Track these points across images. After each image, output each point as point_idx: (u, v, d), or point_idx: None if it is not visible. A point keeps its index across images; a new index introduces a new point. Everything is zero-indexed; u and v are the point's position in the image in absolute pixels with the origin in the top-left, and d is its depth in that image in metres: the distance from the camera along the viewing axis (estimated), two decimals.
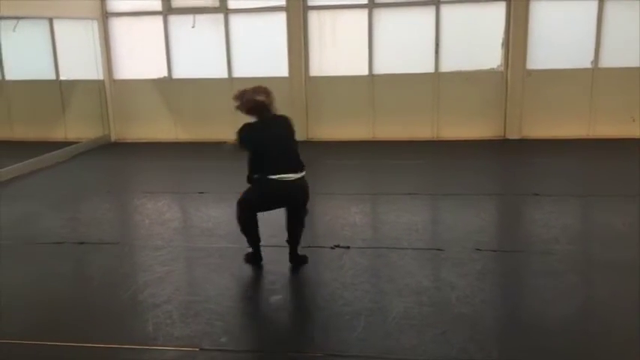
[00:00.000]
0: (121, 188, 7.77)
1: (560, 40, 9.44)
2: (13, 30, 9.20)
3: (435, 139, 9.89)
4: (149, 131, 10.53)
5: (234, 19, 9.99)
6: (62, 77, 9.95)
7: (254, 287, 4.51)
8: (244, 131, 4.59)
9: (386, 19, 9.68)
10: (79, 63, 10.18)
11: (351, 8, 9.73)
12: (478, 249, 5.07)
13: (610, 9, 9.19)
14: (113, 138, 10.63)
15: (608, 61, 9.33)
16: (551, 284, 4.41)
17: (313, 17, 9.85)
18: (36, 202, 7.06)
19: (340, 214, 6.19)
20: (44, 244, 5.59)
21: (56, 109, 9.99)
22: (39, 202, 7.00)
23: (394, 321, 3.89)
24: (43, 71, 9.85)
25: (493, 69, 9.69)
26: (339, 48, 9.91)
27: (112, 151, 10.07)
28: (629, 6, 9.14)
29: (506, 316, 4.07)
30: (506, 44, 9.49)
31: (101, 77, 10.31)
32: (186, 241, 5.60)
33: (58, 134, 9.94)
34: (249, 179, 4.64)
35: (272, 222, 5.94)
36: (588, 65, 9.41)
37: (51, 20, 9.44)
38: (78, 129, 10.23)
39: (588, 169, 7.96)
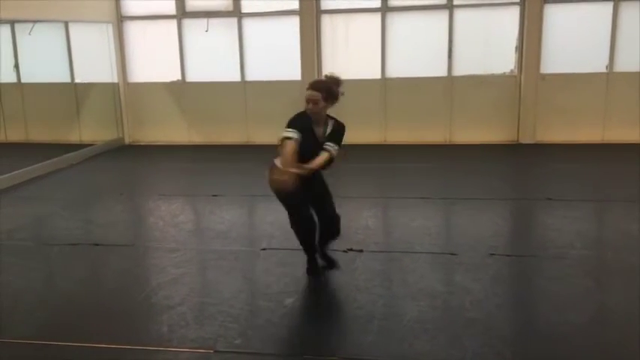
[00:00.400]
0: (135, 190, 7.83)
1: (574, 44, 9.40)
2: (29, 33, 9.30)
3: (447, 143, 9.87)
4: (163, 134, 10.61)
5: (247, 23, 10.04)
6: (77, 80, 10.04)
7: (268, 290, 4.51)
8: None
9: (399, 22, 9.69)
10: (94, 66, 10.26)
11: (364, 12, 9.75)
12: (492, 253, 5.05)
13: (625, 12, 9.14)
14: (127, 140, 10.71)
15: (623, 65, 9.28)
16: (566, 289, 4.39)
17: (326, 21, 9.87)
18: (51, 203, 7.13)
19: (353, 218, 6.19)
20: (59, 245, 5.64)
21: (71, 112, 10.07)
22: (54, 204, 7.07)
23: (408, 325, 3.89)
24: (59, 74, 9.94)
25: (506, 73, 9.66)
26: (352, 51, 9.93)
27: (125, 153, 10.14)
28: None
29: (521, 322, 4.05)
30: (520, 48, 9.46)
31: (115, 80, 10.40)
32: (201, 243, 5.63)
33: (72, 136, 10.01)
34: None
35: (285, 225, 5.97)
36: (603, 69, 9.36)
37: (66, 24, 9.53)
38: (92, 131, 10.31)
39: (602, 173, 7.91)
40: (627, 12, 9.13)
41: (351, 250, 5.15)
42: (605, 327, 3.92)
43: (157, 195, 7.34)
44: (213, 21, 10.12)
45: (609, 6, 9.13)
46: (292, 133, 4.21)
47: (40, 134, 9.97)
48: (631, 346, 3.65)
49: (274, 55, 10.07)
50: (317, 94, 4.32)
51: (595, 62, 9.38)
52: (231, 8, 10.02)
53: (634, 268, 4.71)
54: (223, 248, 5.40)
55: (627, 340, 3.72)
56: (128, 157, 9.89)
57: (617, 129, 9.43)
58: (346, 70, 9.86)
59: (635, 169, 7.87)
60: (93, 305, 4.42)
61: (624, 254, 5.01)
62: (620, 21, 9.15)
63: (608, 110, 9.44)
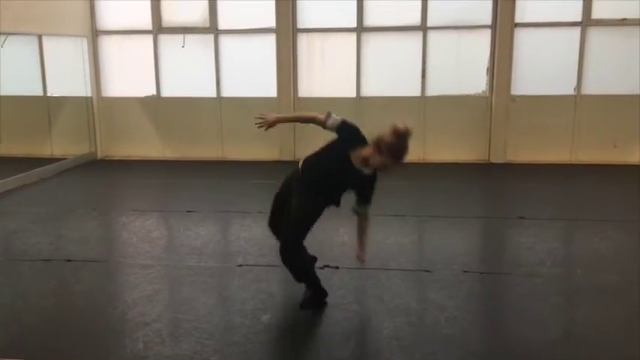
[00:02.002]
0: (108, 205, 7.73)
1: (543, 67, 9.66)
2: (1, 46, 9.18)
3: (421, 161, 10.00)
4: (136, 149, 10.53)
5: (224, 40, 10.09)
6: (50, 93, 9.93)
7: (244, 306, 4.50)
8: None
9: (374, 42, 9.84)
10: (68, 80, 10.17)
11: (339, 32, 9.88)
12: (465, 271, 5.14)
13: (592, 37, 9.44)
14: (100, 155, 10.60)
15: (590, 88, 9.56)
16: (538, 306, 4.48)
17: (302, 39, 9.97)
18: (22, 218, 7.00)
19: (329, 235, 6.22)
20: (31, 260, 5.55)
21: (43, 125, 9.95)
22: (25, 219, 6.94)
23: (384, 341, 3.92)
24: (31, 87, 9.82)
25: (478, 94, 9.86)
26: (328, 70, 10.04)
27: (98, 168, 10.03)
28: (610, 34, 9.41)
29: (495, 338, 4.12)
30: (491, 70, 9.68)
31: (89, 94, 10.31)
32: (175, 259, 5.58)
33: (44, 150, 9.88)
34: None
35: (260, 241, 5.98)
36: (571, 92, 9.62)
37: (40, 37, 9.45)
38: (64, 145, 10.17)
39: (572, 193, 8.10)
40: (594, 37, 9.44)
41: (327, 266, 5.18)
42: (576, 343, 4.00)
43: (130, 210, 7.27)
44: (190, 37, 10.14)
45: (577, 31, 9.43)
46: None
47: (10, 148, 9.79)
48: None
49: (250, 72, 10.12)
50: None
51: (563, 85, 9.64)
52: (207, 24, 10.06)
53: (603, 286, 4.83)
54: (198, 264, 5.38)
55: (597, 356, 3.81)
56: (101, 172, 9.78)
57: (585, 150, 9.69)
58: (322, 88, 10.07)
59: (603, 188, 8.09)
60: (66, 322, 4.35)
61: (594, 272, 5.14)
62: (587, 45, 9.45)
63: (576, 132, 9.69)
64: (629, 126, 9.55)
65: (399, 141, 3.94)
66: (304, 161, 4.35)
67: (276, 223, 4.53)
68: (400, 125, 3.97)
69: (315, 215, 4.23)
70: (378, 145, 3.97)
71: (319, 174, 4.22)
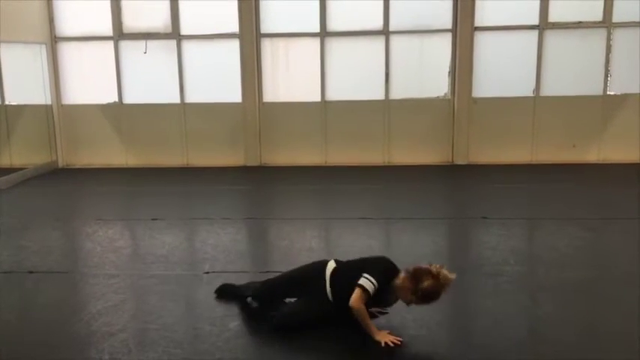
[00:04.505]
0: (70, 215, 7.59)
1: (503, 69, 9.87)
2: None
3: (386, 164, 10.10)
4: (99, 157, 10.37)
5: (187, 45, 10.01)
6: (8, 102, 9.70)
7: (212, 314, 4.47)
8: None
9: (338, 47, 9.90)
10: (27, 87, 9.96)
11: (303, 36, 9.91)
12: None
13: (549, 40, 9.67)
14: (61, 164, 10.40)
15: (548, 89, 9.80)
16: (503, 305, 4.56)
17: (266, 44, 9.97)
18: None
19: (296, 239, 6.24)
20: None
21: (1, 135, 9.70)
22: None
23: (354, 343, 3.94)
24: None
25: (440, 97, 10.00)
26: (292, 74, 10.06)
27: (59, 177, 9.84)
28: (567, 37, 9.66)
29: (461, 337, 4.18)
30: (453, 73, 9.84)
31: (49, 102, 10.11)
32: (141, 268, 5.51)
33: (2, 160, 9.63)
34: None
35: (227, 248, 5.96)
36: (530, 94, 9.84)
37: None
38: (24, 155, 9.95)
39: (533, 193, 8.28)
40: (551, 40, 9.68)
41: None
42: (542, 341, 4.08)
43: (93, 219, 7.15)
44: (152, 43, 10.03)
45: (535, 34, 9.65)
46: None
47: None
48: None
49: (214, 77, 10.07)
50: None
51: (523, 87, 9.86)
52: (170, 30, 9.97)
53: (565, 283, 4.95)
54: (165, 273, 5.32)
55: (563, 353, 3.89)
56: (62, 181, 9.59)
57: (545, 150, 9.92)
58: (287, 92, 10.08)
59: (563, 188, 8.29)
60: (29, 335, 4.25)
61: (556, 270, 5.25)
62: (544, 48, 9.68)
63: (536, 132, 9.91)
64: (586, 126, 9.83)
65: (438, 288, 3.87)
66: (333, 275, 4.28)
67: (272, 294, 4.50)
68: (448, 273, 3.90)
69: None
70: (415, 284, 3.90)
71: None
